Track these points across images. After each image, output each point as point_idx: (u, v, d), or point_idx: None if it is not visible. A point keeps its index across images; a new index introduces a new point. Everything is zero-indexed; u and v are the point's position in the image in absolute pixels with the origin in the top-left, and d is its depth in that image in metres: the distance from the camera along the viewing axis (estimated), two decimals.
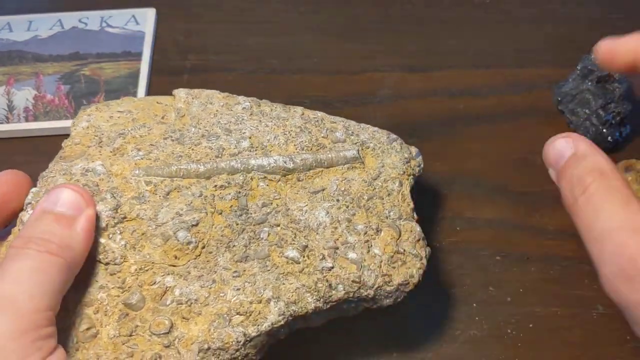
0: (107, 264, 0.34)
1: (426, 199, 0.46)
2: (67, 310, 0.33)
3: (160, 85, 0.54)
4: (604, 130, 0.48)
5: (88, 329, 0.33)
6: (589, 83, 0.49)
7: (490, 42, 0.58)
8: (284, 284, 0.34)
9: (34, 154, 0.50)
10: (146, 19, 0.59)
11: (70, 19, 0.59)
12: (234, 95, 0.42)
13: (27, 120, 0.51)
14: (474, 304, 0.42)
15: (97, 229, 0.34)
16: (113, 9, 0.60)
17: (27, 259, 0.29)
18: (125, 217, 0.35)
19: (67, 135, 0.50)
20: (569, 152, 0.35)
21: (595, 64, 0.48)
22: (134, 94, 0.53)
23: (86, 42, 0.57)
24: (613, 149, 0.48)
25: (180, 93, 0.42)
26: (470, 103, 0.53)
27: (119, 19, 0.59)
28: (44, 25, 0.58)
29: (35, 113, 0.52)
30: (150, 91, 0.54)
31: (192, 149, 0.38)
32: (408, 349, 0.40)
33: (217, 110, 0.41)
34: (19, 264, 0.29)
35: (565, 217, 0.44)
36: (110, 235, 0.34)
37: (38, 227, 0.31)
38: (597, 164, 0.33)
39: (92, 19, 0.59)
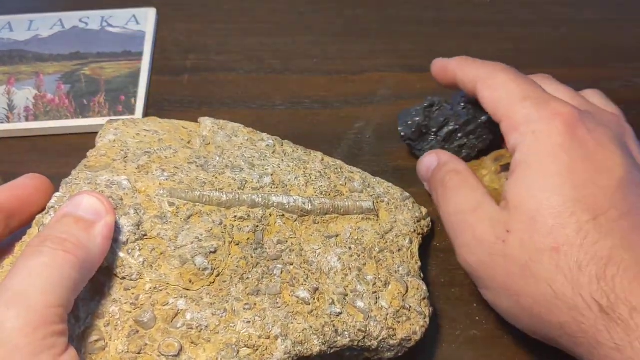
0: (123, 278, 0.34)
1: (427, 199, 0.46)
2: (78, 318, 0.33)
3: (160, 85, 0.54)
4: (483, 117, 0.46)
5: (97, 340, 0.33)
6: (435, 131, 0.47)
7: (490, 43, 0.58)
8: (292, 323, 0.35)
9: (34, 153, 0.50)
10: (147, 18, 0.59)
11: (71, 18, 0.59)
12: (258, 132, 0.43)
13: (27, 119, 0.51)
14: (474, 304, 0.42)
15: (118, 243, 0.34)
16: (113, 9, 0.60)
17: (41, 256, 0.29)
18: (145, 235, 0.35)
19: (67, 135, 0.51)
20: (434, 164, 0.43)
21: (410, 122, 0.47)
22: (135, 94, 0.53)
23: (87, 41, 0.57)
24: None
25: (206, 122, 0.43)
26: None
27: (119, 19, 0.59)
28: (44, 24, 0.58)
29: (35, 112, 0.52)
30: (150, 91, 0.54)
31: (216, 178, 0.39)
32: (408, 349, 0.40)
33: (241, 144, 0.42)
34: (32, 261, 0.29)
35: None
36: (130, 251, 0.34)
37: (56, 228, 0.31)
38: (454, 166, 0.42)
39: (92, 18, 0.59)
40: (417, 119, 0.47)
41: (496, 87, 0.39)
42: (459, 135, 0.47)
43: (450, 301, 0.42)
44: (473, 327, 0.41)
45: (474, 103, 0.47)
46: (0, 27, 0.58)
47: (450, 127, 0.47)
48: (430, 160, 0.44)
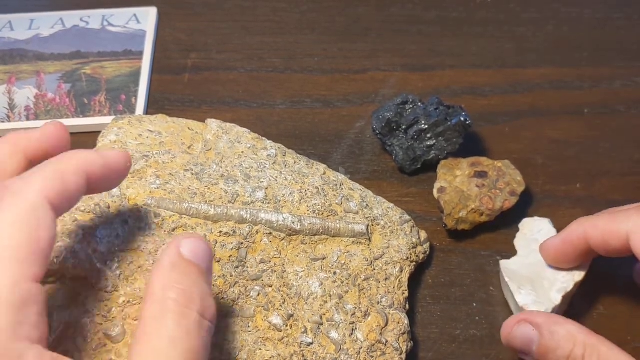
0: (98, 290, 0.33)
1: (427, 199, 0.46)
2: (51, 328, 0.32)
3: (161, 84, 0.54)
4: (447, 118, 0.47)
5: (64, 352, 0.32)
6: (404, 128, 0.47)
7: (492, 42, 0.58)
8: (260, 349, 0.34)
9: None
10: (147, 17, 0.59)
11: (72, 17, 0.59)
12: (263, 139, 0.43)
13: (28, 119, 0.51)
14: (474, 304, 0.42)
15: (97, 253, 0.34)
16: (114, 8, 0.60)
17: (196, 334, 0.28)
18: (126, 247, 0.35)
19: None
20: (534, 334, 0.35)
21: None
22: (135, 93, 0.53)
23: (87, 40, 0.57)
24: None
25: (213, 124, 0.42)
26: (471, 102, 0.52)
27: (120, 18, 0.59)
28: (45, 23, 0.58)
29: (36, 112, 0.52)
30: (151, 90, 0.54)
31: (208, 188, 0.38)
32: None
33: (242, 152, 0.41)
34: (193, 341, 0.27)
35: (564, 217, 0.44)
36: (108, 262, 0.34)
37: (192, 283, 0.29)
38: (572, 336, 0.33)
39: (93, 17, 0.59)
40: (388, 114, 0.47)
41: None
42: (429, 135, 0.47)
43: (450, 301, 0.42)
44: (473, 327, 0.41)
45: (447, 106, 0.47)
46: (1, 26, 0.58)
47: (420, 126, 0.47)
48: (526, 331, 0.35)
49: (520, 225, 0.43)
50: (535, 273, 0.40)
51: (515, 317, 0.36)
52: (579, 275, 0.39)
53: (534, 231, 0.42)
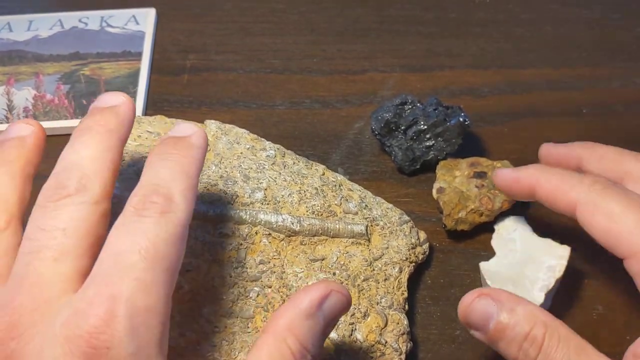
0: None
1: (427, 199, 0.46)
2: None
3: (160, 85, 0.54)
4: (446, 119, 0.47)
5: None
6: (403, 128, 0.47)
7: (490, 42, 0.58)
8: None
9: None
10: (146, 18, 0.59)
11: (71, 18, 0.59)
12: (262, 140, 0.43)
13: None
14: None
15: None
16: (113, 9, 0.60)
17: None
18: None
19: (67, 135, 0.51)
20: (494, 309, 0.33)
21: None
22: (134, 94, 0.53)
23: (86, 42, 0.57)
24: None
25: (212, 125, 0.42)
26: (470, 103, 0.52)
27: (119, 19, 0.59)
28: (44, 25, 0.58)
29: (35, 113, 0.52)
30: (150, 91, 0.54)
31: (208, 189, 0.38)
32: None
33: (241, 153, 0.41)
34: None
35: (563, 217, 0.44)
36: None
37: (312, 344, 0.29)
38: (532, 316, 0.32)
39: (92, 18, 0.59)
40: (387, 115, 0.47)
41: (614, 217, 0.33)
42: (428, 135, 0.47)
43: (449, 301, 0.42)
44: None
45: (446, 107, 0.47)
46: None
47: (419, 127, 0.47)
48: (487, 306, 0.33)
49: (496, 226, 0.43)
50: (515, 272, 0.40)
51: (476, 291, 0.33)
52: (559, 272, 0.39)
53: (510, 230, 0.42)
